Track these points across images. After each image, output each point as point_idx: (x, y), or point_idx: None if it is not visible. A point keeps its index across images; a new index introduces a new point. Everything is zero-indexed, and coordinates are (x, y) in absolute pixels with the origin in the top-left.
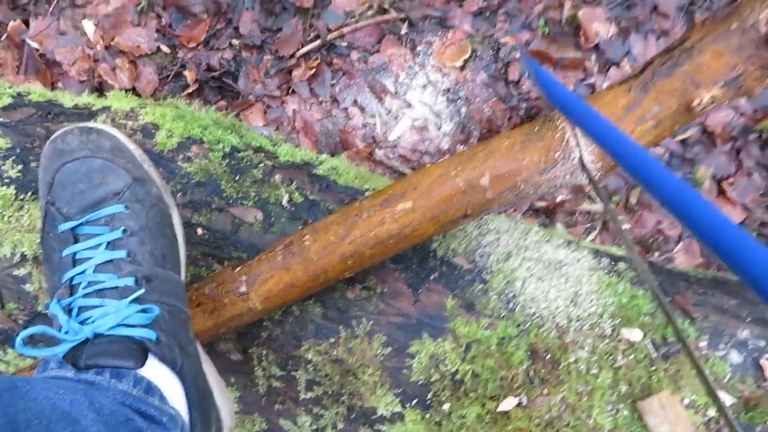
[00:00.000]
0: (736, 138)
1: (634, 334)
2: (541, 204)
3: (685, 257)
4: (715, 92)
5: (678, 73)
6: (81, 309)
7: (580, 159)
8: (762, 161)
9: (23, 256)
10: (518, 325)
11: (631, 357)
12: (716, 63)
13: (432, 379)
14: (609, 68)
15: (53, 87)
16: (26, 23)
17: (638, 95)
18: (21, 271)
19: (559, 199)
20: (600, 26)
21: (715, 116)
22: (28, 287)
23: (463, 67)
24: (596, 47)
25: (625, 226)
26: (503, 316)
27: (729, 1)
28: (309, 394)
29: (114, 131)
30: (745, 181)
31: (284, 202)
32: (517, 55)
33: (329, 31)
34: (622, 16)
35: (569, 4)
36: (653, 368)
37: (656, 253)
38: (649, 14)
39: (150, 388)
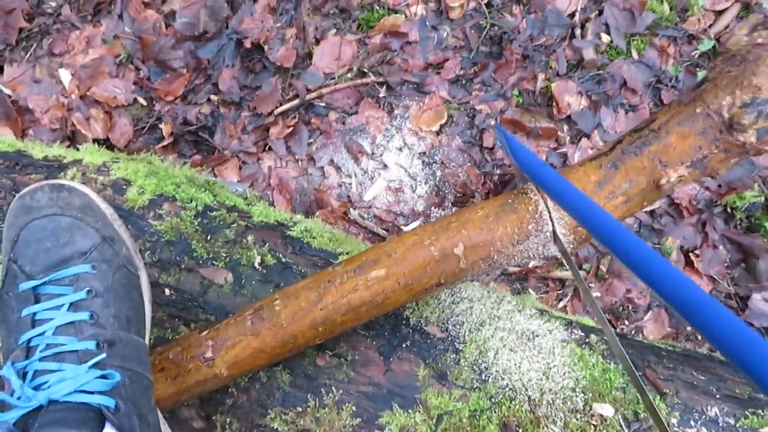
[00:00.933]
0: (701, 210)
1: (606, 410)
2: (514, 269)
3: (654, 326)
4: (682, 171)
5: (646, 153)
6: (36, 373)
7: (553, 231)
8: (726, 234)
9: None
10: (490, 398)
11: None
12: (682, 144)
13: None
14: (580, 139)
15: (24, 134)
16: (0, 69)
17: (608, 172)
18: None
19: (531, 264)
20: (572, 99)
21: (682, 189)
22: None
23: (439, 132)
24: (568, 118)
25: (596, 295)
26: (475, 388)
27: (694, 84)
28: None
29: (85, 189)
30: (710, 252)
31: (256, 264)
32: (492, 122)
33: (308, 91)
34: (593, 90)
35: (542, 76)
36: None
37: (626, 322)
38: (618, 89)
39: None
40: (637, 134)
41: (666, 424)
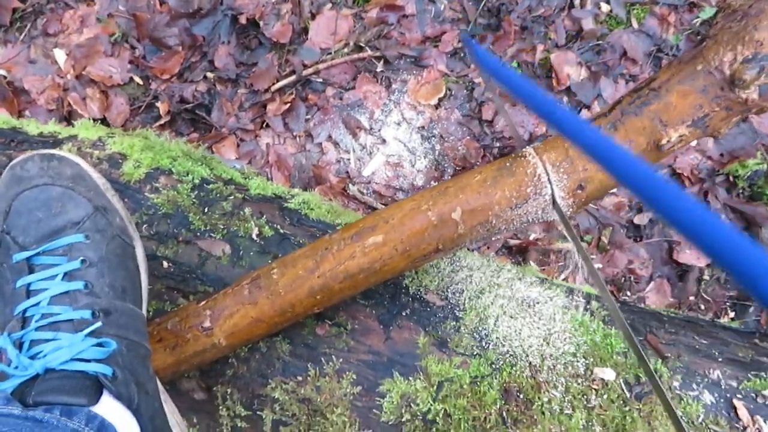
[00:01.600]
0: (703, 180)
1: (607, 374)
2: (515, 242)
3: (656, 297)
4: (683, 131)
5: (646, 112)
6: (33, 343)
7: (552, 194)
8: (729, 203)
9: None
10: (491, 364)
11: (605, 397)
12: (683, 103)
13: (403, 419)
14: (580, 110)
15: (20, 115)
16: None
17: (608, 132)
18: None
19: (532, 237)
20: (571, 70)
21: (684, 159)
22: None
23: (437, 106)
24: (568, 90)
25: (597, 266)
26: (476, 355)
27: (694, 43)
28: None
29: (76, 159)
30: None
31: (254, 235)
32: (490, 95)
33: (305, 66)
34: (592, 61)
35: (541, 47)
36: (627, 408)
37: (628, 293)
38: (618, 59)
39: (103, 427)
40: (636, 94)
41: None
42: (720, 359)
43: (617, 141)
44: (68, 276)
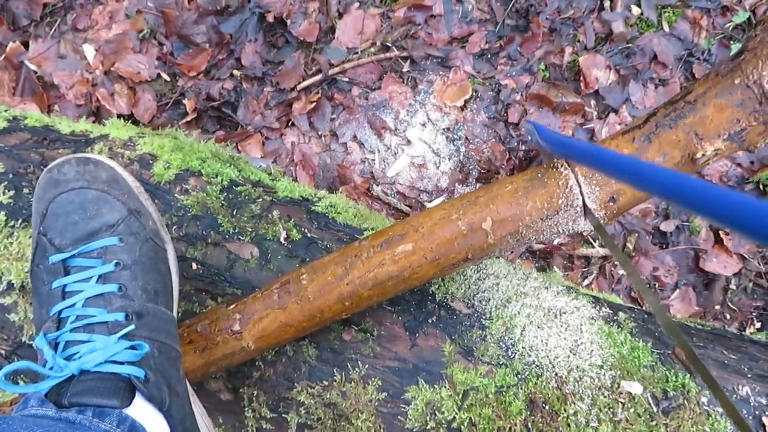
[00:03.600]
0: (732, 188)
1: (635, 387)
2: (539, 247)
3: (681, 305)
4: (719, 145)
5: (681, 125)
6: (68, 344)
7: (584, 206)
8: None
9: (10, 285)
10: (517, 374)
11: (632, 411)
12: (719, 116)
13: (428, 427)
14: (608, 114)
15: (49, 110)
16: (26, 45)
17: (641, 145)
18: (6, 300)
19: (556, 242)
20: (600, 73)
21: (713, 165)
22: (12, 317)
23: (463, 107)
24: (596, 93)
25: (622, 273)
26: (502, 364)
27: (727, 57)
28: None
29: (111, 163)
30: None
31: (282, 238)
32: (518, 96)
33: (331, 66)
34: (621, 64)
35: (570, 50)
36: (653, 423)
37: None
38: (648, 63)
39: (134, 429)
40: (672, 106)
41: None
42: (749, 375)
43: (651, 153)
44: (103, 278)
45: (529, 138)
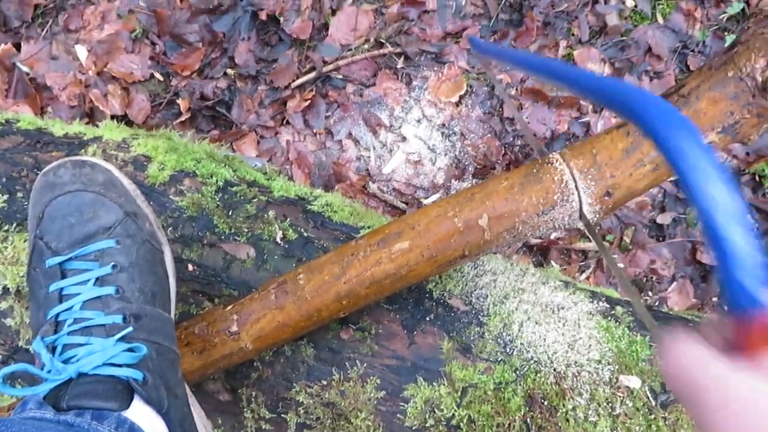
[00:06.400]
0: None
1: (633, 382)
2: (536, 242)
3: (678, 297)
4: (713, 138)
5: None
6: (65, 347)
7: (579, 201)
8: (754, 203)
9: (5, 289)
10: (515, 370)
11: (630, 405)
12: (713, 110)
13: (427, 425)
14: (603, 108)
15: (43, 112)
16: (17, 47)
17: (636, 139)
18: (2, 305)
19: (553, 236)
20: (594, 66)
21: None
22: (8, 322)
23: (458, 103)
24: None
25: (620, 266)
26: (500, 360)
27: (722, 48)
28: None
29: (107, 165)
30: None
31: (278, 238)
32: (513, 91)
33: (325, 63)
34: (616, 57)
35: (564, 43)
36: (652, 416)
37: (650, 293)
38: (642, 56)
39: (133, 431)
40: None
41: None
42: None
43: (646, 147)
44: (100, 281)
45: (472, 51)
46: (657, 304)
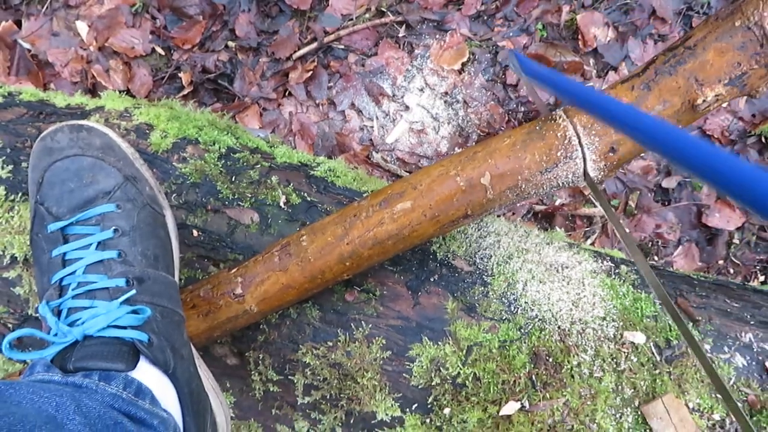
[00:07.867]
0: (735, 141)
1: (637, 337)
2: (540, 208)
3: (684, 261)
4: (720, 90)
5: (681, 71)
6: (70, 310)
7: (583, 157)
8: (761, 164)
9: (13, 258)
10: (520, 328)
11: (635, 360)
12: (720, 61)
13: (432, 383)
14: (607, 72)
15: (45, 88)
16: (18, 24)
17: (641, 93)
18: (11, 274)
19: (558, 202)
20: (598, 30)
21: (714, 120)
22: (18, 290)
23: (461, 71)
24: (595, 51)
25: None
26: (505, 319)
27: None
28: (307, 399)
29: (105, 129)
30: None
31: (281, 203)
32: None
33: (326, 33)
34: (620, 21)
35: (567, 8)
36: (657, 371)
37: (655, 257)
38: (647, 19)
39: (140, 391)
40: (671, 53)
41: (700, 348)
42: (752, 322)
43: (650, 102)
44: (102, 245)
45: (511, 68)
46: (663, 267)
